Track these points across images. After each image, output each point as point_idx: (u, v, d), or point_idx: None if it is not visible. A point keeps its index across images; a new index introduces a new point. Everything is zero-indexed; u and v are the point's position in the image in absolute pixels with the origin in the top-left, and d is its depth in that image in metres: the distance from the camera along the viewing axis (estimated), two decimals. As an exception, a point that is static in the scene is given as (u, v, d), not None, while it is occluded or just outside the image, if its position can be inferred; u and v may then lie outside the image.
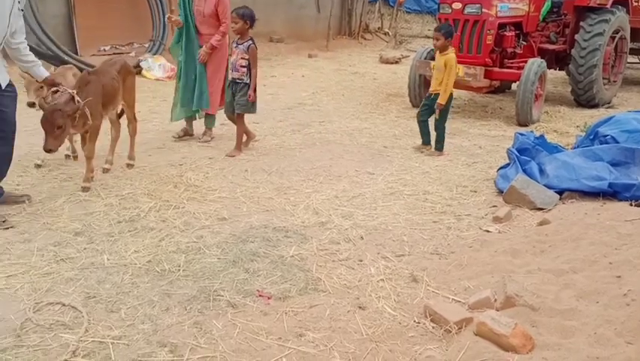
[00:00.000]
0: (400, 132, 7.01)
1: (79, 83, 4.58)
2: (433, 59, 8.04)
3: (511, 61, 8.01)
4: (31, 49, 4.38)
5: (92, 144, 4.72)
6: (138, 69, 9.36)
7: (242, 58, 5.64)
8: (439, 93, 5.94)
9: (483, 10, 7.44)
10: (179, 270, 3.50)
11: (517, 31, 8.01)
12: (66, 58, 8.99)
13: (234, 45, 5.71)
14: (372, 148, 6.24)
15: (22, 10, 4.02)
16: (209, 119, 6.35)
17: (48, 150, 4.28)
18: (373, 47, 15.12)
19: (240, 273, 3.48)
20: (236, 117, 5.81)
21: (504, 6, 7.62)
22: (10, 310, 2.97)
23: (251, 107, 5.78)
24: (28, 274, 3.32)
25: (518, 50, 8.12)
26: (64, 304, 3.05)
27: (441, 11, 7.93)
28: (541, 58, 7.97)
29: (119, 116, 5.40)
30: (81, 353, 2.69)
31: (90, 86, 4.57)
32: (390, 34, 16.46)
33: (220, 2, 5.93)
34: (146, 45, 10.55)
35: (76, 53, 9.78)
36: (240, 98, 5.70)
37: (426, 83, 8.20)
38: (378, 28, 17.18)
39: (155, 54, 10.22)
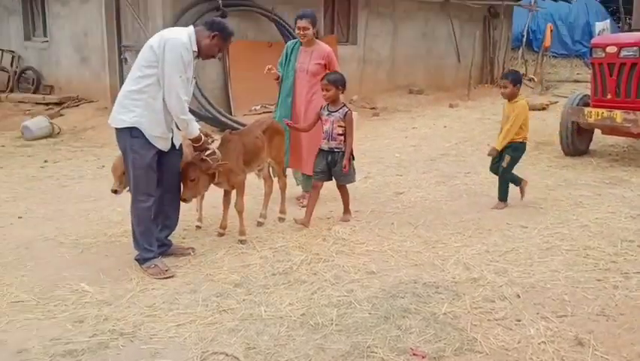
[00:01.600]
0: (552, 183, 6.69)
1: (221, 141, 4.92)
2: (586, 105, 7.68)
3: (677, 104, 7.38)
4: (192, 112, 4.81)
5: (240, 199, 4.99)
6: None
7: (339, 126, 5.23)
8: (511, 144, 5.68)
9: (642, 52, 6.98)
10: (332, 324, 3.54)
11: (684, 72, 7.40)
12: (222, 119, 9.72)
13: (325, 113, 5.30)
14: (524, 200, 5.98)
15: (195, 78, 4.47)
16: (308, 181, 5.92)
17: (183, 200, 4.62)
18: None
19: (392, 329, 3.46)
20: (339, 188, 5.49)
21: (667, 46, 7.10)
22: (180, 358, 3.17)
23: (352, 176, 5.45)
24: (195, 324, 3.54)
25: (685, 92, 7.47)
26: (227, 355, 3.20)
27: (593, 55, 7.57)
28: None
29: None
30: (244, 403, 2.79)
31: (230, 144, 4.87)
32: (535, 80, 15.92)
33: (330, 58, 5.71)
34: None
35: (231, 114, 10.54)
36: (342, 170, 5.28)
37: (579, 130, 7.82)
38: (523, 75, 16.69)
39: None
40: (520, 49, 17.79)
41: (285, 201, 5.63)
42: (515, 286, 4.03)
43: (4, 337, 3.39)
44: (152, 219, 4.42)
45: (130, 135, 4.19)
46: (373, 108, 12.60)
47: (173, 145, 4.43)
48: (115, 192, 4.50)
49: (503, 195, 5.84)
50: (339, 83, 5.23)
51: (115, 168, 4.50)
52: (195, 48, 4.28)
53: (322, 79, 5.31)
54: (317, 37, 5.82)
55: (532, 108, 12.15)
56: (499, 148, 5.71)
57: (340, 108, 5.26)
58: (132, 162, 4.22)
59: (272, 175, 5.69)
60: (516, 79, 5.70)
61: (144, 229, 4.33)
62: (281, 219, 5.53)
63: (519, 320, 3.57)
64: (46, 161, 8.27)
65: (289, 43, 6.00)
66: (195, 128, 4.38)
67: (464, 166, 7.57)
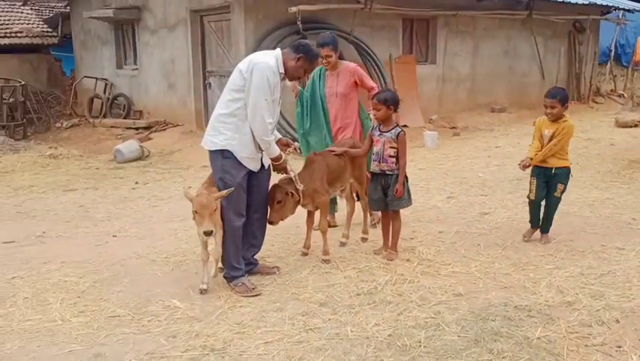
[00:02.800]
0: (649, 202, 6.33)
1: (305, 162, 4.98)
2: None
3: None
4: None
5: (324, 219, 5.02)
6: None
7: (390, 147, 4.87)
8: (562, 169, 5.16)
9: None
10: (420, 346, 3.48)
11: None
12: (302, 139, 9.85)
13: (376, 133, 4.96)
14: (619, 220, 5.70)
15: (281, 99, 4.57)
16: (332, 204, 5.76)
17: (270, 222, 4.66)
18: (606, 111, 14.09)
19: (483, 353, 3.35)
20: (391, 215, 5.05)
21: None
22: (270, 376, 3.20)
23: (407, 200, 5.02)
24: (283, 342, 3.57)
25: None
26: (315, 373, 3.21)
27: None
28: None
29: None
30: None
31: (314, 165, 4.92)
32: (625, 96, 15.22)
33: (358, 74, 5.60)
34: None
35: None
36: (394, 194, 4.90)
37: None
38: (611, 91, 16.05)
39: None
40: (608, 64, 17.10)
41: (367, 221, 5.62)
42: (614, 311, 3.82)
43: (103, 350, 3.54)
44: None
45: (222, 156, 4.33)
46: (454, 128, 12.43)
47: (262, 165, 4.54)
48: (209, 233, 4.07)
49: (548, 225, 5.34)
50: (390, 102, 4.86)
51: (203, 206, 4.05)
52: (282, 70, 4.39)
53: (372, 98, 5.03)
54: (341, 59, 5.76)
55: (624, 125, 11.69)
56: (536, 162, 5.20)
57: (392, 128, 4.91)
58: (224, 181, 4.35)
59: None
60: (564, 98, 5.09)
61: (233, 248, 4.43)
62: (364, 240, 5.51)
63: (619, 347, 3.39)
64: (137, 182, 8.66)
65: (314, 71, 5.73)
66: (276, 148, 4.48)
67: (552, 186, 7.28)
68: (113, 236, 5.93)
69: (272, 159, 4.54)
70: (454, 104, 13.50)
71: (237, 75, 4.32)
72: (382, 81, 11.38)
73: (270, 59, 4.34)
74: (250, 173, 4.43)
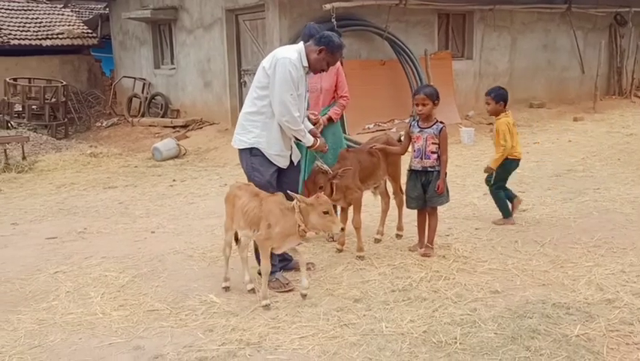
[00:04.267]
0: (695, 199, 6.14)
1: (338, 158, 4.99)
2: None
3: None
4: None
5: (357, 215, 5.02)
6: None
7: (432, 143, 4.83)
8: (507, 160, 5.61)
9: None
10: (456, 343, 3.45)
11: None
12: (337, 137, 9.85)
13: (416, 130, 4.93)
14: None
15: (308, 92, 4.57)
16: None
17: None
18: (649, 106, 13.70)
19: (520, 350, 3.31)
20: (429, 211, 5.02)
21: None
22: (305, 370, 3.22)
23: (446, 197, 4.97)
24: (317, 337, 3.59)
25: None
26: (350, 369, 3.21)
27: None
28: None
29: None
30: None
31: (346, 161, 4.92)
32: (669, 89, 14.79)
33: (339, 72, 5.39)
34: (406, 120, 11.07)
35: (345, 132, 10.66)
36: (435, 190, 4.87)
37: None
38: (652, 84, 15.60)
39: (415, 128, 10.67)
40: (652, 57, 16.63)
41: (402, 217, 5.59)
42: (657, 310, 3.73)
43: (141, 343, 3.62)
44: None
45: (250, 154, 4.38)
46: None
47: (291, 162, 4.56)
48: (344, 229, 4.23)
49: (504, 212, 5.76)
50: (435, 97, 4.83)
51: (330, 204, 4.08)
52: (306, 64, 4.38)
53: (416, 93, 4.98)
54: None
55: (668, 119, 11.35)
56: (494, 166, 5.68)
57: (434, 124, 4.87)
58: (253, 179, 4.39)
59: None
60: (498, 96, 5.54)
61: (266, 245, 4.46)
62: (398, 236, 5.49)
63: (662, 346, 3.30)
64: (174, 180, 8.80)
65: None
66: (310, 136, 4.51)
67: (593, 182, 7.14)
68: (152, 232, 6.04)
69: (309, 147, 4.59)
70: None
71: (261, 73, 4.34)
72: (417, 77, 11.31)
73: (293, 53, 4.33)
74: (280, 170, 4.45)
